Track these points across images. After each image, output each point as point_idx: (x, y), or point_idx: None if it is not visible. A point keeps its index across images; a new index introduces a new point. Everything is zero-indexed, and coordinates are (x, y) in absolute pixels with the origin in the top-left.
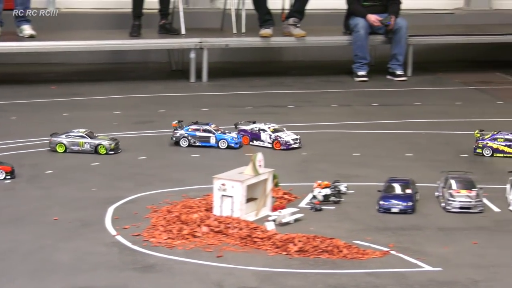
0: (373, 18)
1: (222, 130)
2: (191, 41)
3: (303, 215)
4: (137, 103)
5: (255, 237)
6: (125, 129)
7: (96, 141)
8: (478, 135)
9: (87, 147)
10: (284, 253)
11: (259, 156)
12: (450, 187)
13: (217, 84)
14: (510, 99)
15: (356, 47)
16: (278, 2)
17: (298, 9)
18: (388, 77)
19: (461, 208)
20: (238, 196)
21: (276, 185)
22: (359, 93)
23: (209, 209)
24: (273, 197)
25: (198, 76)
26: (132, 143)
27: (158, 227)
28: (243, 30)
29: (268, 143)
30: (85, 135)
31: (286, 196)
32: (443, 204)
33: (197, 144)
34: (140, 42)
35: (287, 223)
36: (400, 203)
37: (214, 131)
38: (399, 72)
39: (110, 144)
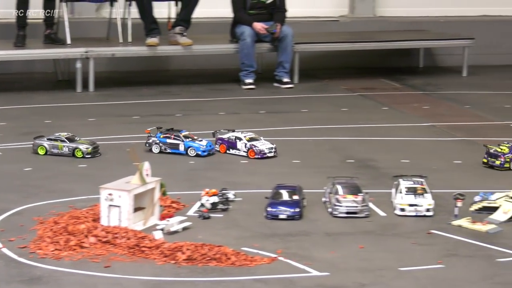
0: (259, 26)
1: (195, 137)
2: (77, 51)
3: (191, 223)
4: (22, 114)
5: (143, 247)
6: (11, 140)
7: (74, 145)
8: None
9: (65, 150)
10: (173, 261)
11: (146, 165)
12: (336, 193)
13: (104, 94)
14: (394, 105)
15: (243, 55)
16: (164, 11)
17: (184, 17)
18: (275, 84)
19: (347, 213)
20: (125, 206)
21: (163, 194)
22: (247, 101)
23: (96, 219)
24: (161, 206)
25: (85, 86)
26: (17, 154)
27: (44, 238)
28: (129, 39)
29: (244, 151)
30: (64, 139)
31: (174, 205)
32: (330, 210)
33: (168, 151)
34: (25, 52)
35: (175, 232)
36: (288, 209)
37: (183, 139)
38: (285, 80)
39: (87, 148)
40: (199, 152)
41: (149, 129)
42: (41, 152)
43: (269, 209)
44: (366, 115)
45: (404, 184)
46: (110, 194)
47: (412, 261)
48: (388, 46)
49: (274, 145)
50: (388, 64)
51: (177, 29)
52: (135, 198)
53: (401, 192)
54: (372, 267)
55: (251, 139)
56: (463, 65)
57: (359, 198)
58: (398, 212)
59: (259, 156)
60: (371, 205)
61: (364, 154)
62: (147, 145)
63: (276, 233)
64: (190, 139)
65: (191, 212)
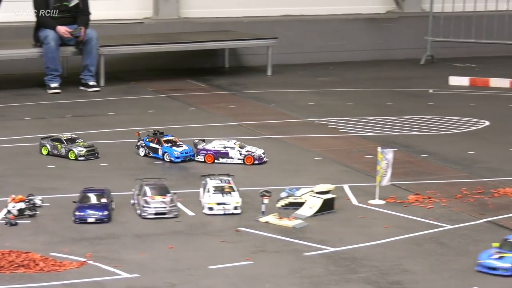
0: (62, 29)
1: (178, 142)
2: None
3: None
4: None
5: None
6: None
7: (70, 147)
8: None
9: (63, 151)
10: None
11: None
12: (145, 194)
13: None
14: (201, 105)
15: (47, 59)
16: None
17: None
18: (81, 88)
19: (156, 214)
20: None
21: None
22: (53, 105)
23: None
24: None
25: None
26: None
27: None
28: None
29: (239, 159)
30: (63, 140)
31: None
32: (139, 211)
33: (151, 155)
34: None
35: None
36: (96, 212)
37: (163, 143)
38: (91, 83)
39: (80, 151)
40: (172, 158)
41: (138, 132)
42: (44, 152)
43: (77, 213)
44: (173, 116)
45: (211, 183)
46: None
47: (221, 259)
48: (193, 47)
49: (263, 150)
50: (194, 65)
51: None
52: None
53: (208, 191)
54: (182, 267)
55: (241, 146)
56: (267, 64)
57: (168, 198)
58: (206, 211)
59: (258, 162)
60: (179, 205)
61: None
62: (136, 147)
63: (85, 237)
64: (170, 145)
65: None
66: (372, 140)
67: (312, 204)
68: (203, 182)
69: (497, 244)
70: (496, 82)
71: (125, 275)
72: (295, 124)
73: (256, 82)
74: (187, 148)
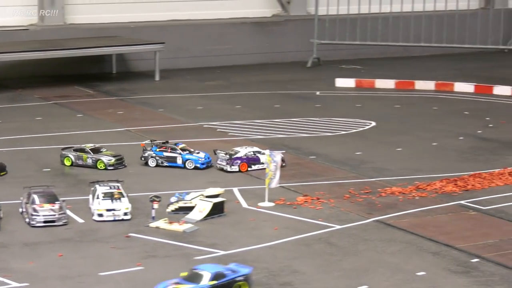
0: None
1: (191, 150)
2: None
3: None
4: None
5: None
6: None
7: (97, 156)
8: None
9: (89, 161)
10: None
11: None
12: (33, 202)
13: None
14: (89, 112)
15: None
16: None
17: None
18: None
19: (45, 222)
20: None
21: None
22: None
23: None
24: None
25: None
26: None
27: None
28: None
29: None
30: (89, 150)
31: None
32: (27, 220)
33: (165, 164)
34: None
35: None
36: None
37: (181, 152)
38: None
39: (109, 160)
40: (198, 165)
41: (143, 142)
42: (67, 163)
43: None
44: (61, 123)
45: (100, 189)
46: None
47: (112, 265)
48: (80, 53)
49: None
50: (81, 71)
51: None
52: None
53: (98, 198)
54: (72, 274)
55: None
56: (155, 69)
57: (56, 206)
58: (96, 217)
59: (285, 164)
60: (69, 212)
61: (56, 163)
62: (142, 159)
63: None
64: (187, 152)
65: None
66: (260, 143)
67: (202, 208)
68: (92, 188)
69: (185, 274)
70: (381, 83)
71: (14, 284)
72: (184, 129)
73: (144, 87)
74: (204, 154)
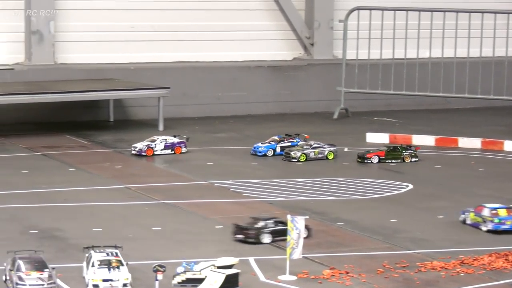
0: None
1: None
2: None
3: None
4: None
5: None
6: None
7: None
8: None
9: None
10: None
11: None
12: (18, 269)
13: None
14: (82, 165)
15: None
16: None
17: None
18: None
19: None
20: None
21: None
22: None
23: None
24: None
25: None
26: None
27: None
28: None
29: None
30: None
31: None
32: None
33: None
34: None
35: None
36: None
37: None
38: None
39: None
40: None
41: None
42: None
43: None
44: (49, 178)
45: (96, 256)
46: None
47: None
48: (72, 98)
49: None
50: (73, 118)
51: None
52: None
53: (93, 266)
54: None
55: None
56: (158, 117)
57: (45, 274)
58: None
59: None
60: (59, 281)
61: (48, 223)
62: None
63: None
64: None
65: None
66: (279, 206)
67: (213, 281)
68: (87, 255)
69: None
70: (419, 139)
71: None
72: (192, 187)
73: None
74: None
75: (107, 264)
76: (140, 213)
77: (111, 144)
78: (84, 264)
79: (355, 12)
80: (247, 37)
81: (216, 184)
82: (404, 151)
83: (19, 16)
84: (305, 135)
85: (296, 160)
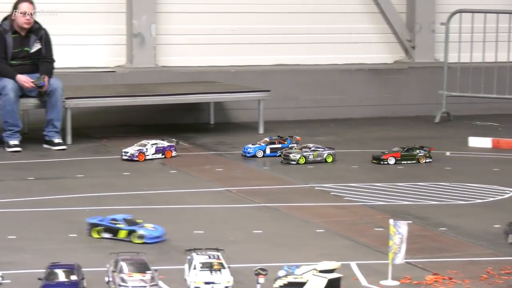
0: (23, 79)
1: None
2: None
3: None
4: None
5: None
6: None
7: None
8: None
9: None
10: None
11: None
12: (121, 271)
13: None
14: (183, 168)
15: (5, 113)
16: None
17: None
18: (45, 146)
19: None
20: None
21: None
22: (11, 166)
23: None
24: None
25: None
26: None
27: None
28: None
29: None
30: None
31: None
32: None
33: None
34: None
35: None
36: None
37: None
38: (57, 140)
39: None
40: None
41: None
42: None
43: None
44: (150, 180)
45: (198, 259)
46: None
47: None
48: (173, 100)
49: None
50: (174, 121)
51: None
52: None
53: (195, 268)
54: None
55: None
56: (259, 120)
57: (148, 276)
58: None
59: None
60: (161, 283)
61: None
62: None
63: None
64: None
65: None
66: (381, 211)
67: (315, 285)
68: (189, 257)
69: None
70: None
71: None
72: (292, 191)
73: (246, 141)
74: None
75: (209, 266)
76: (241, 216)
77: (211, 146)
78: (186, 266)
79: (457, 14)
80: (348, 40)
81: (316, 188)
82: (418, 151)
83: (121, 19)
84: (297, 137)
85: (295, 163)
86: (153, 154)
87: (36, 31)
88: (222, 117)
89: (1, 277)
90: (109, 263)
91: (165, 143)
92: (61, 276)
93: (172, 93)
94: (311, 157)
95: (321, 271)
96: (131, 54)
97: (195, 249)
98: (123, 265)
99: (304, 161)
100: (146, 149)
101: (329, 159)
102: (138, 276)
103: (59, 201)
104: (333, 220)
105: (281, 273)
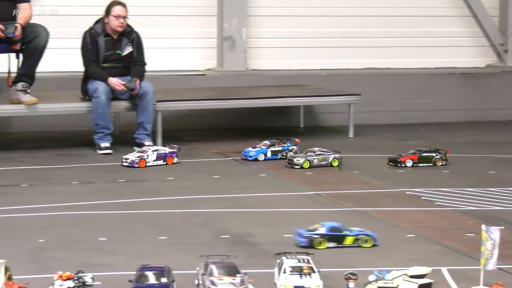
0: (115, 81)
1: None
2: None
3: None
4: None
5: None
6: None
7: None
8: None
9: None
10: None
11: None
12: (211, 274)
13: None
14: (272, 171)
15: (97, 115)
16: (3, 65)
17: (27, 72)
18: (135, 148)
19: None
20: None
21: (9, 278)
22: (103, 168)
23: None
24: None
25: None
26: None
27: None
28: None
29: None
30: None
31: None
32: None
33: None
34: None
35: None
36: None
37: None
38: (147, 143)
39: None
40: None
41: None
42: None
43: None
44: (240, 183)
45: (288, 262)
46: None
47: None
48: (263, 104)
49: None
50: (264, 124)
51: (19, 85)
52: None
53: (285, 272)
54: None
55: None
56: (349, 124)
57: (237, 279)
58: None
59: None
60: (251, 287)
61: (240, 228)
62: None
63: None
64: None
65: None
66: (473, 216)
67: None
68: (278, 261)
69: None
70: None
71: None
72: (382, 195)
73: (336, 145)
74: None
75: (299, 270)
76: (331, 220)
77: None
78: (276, 270)
79: None
80: (439, 43)
81: (407, 192)
82: (435, 154)
83: (212, 23)
84: (296, 140)
85: (299, 167)
86: (154, 160)
87: (128, 34)
88: (312, 120)
89: (92, 278)
90: (199, 266)
91: (166, 150)
92: (151, 278)
93: (262, 97)
94: (315, 161)
95: (411, 276)
96: (222, 58)
97: (285, 253)
98: (213, 268)
99: (308, 165)
100: (147, 155)
101: (335, 163)
102: (228, 279)
103: (149, 204)
104: (424, 225)
105: (371, 278)
